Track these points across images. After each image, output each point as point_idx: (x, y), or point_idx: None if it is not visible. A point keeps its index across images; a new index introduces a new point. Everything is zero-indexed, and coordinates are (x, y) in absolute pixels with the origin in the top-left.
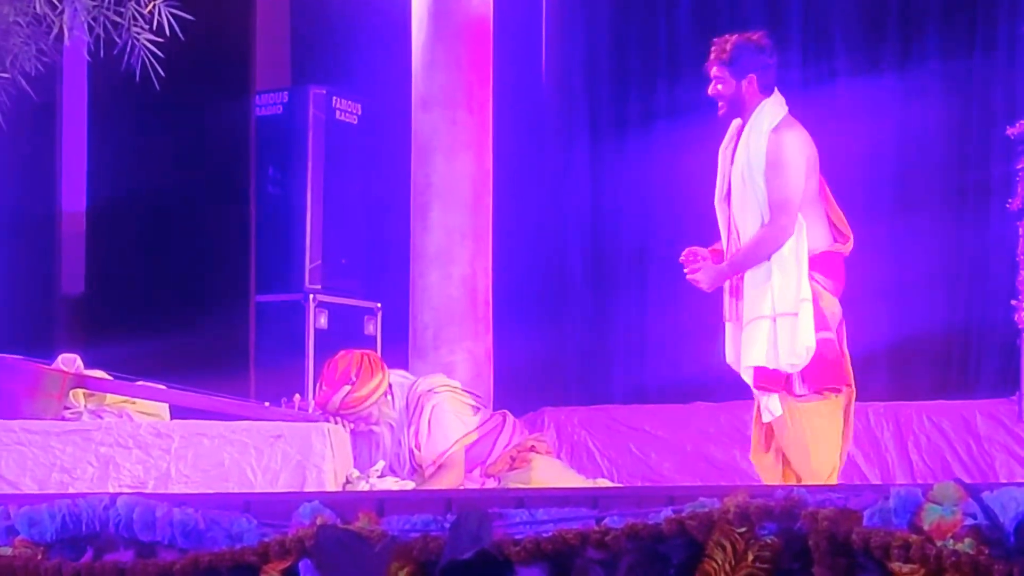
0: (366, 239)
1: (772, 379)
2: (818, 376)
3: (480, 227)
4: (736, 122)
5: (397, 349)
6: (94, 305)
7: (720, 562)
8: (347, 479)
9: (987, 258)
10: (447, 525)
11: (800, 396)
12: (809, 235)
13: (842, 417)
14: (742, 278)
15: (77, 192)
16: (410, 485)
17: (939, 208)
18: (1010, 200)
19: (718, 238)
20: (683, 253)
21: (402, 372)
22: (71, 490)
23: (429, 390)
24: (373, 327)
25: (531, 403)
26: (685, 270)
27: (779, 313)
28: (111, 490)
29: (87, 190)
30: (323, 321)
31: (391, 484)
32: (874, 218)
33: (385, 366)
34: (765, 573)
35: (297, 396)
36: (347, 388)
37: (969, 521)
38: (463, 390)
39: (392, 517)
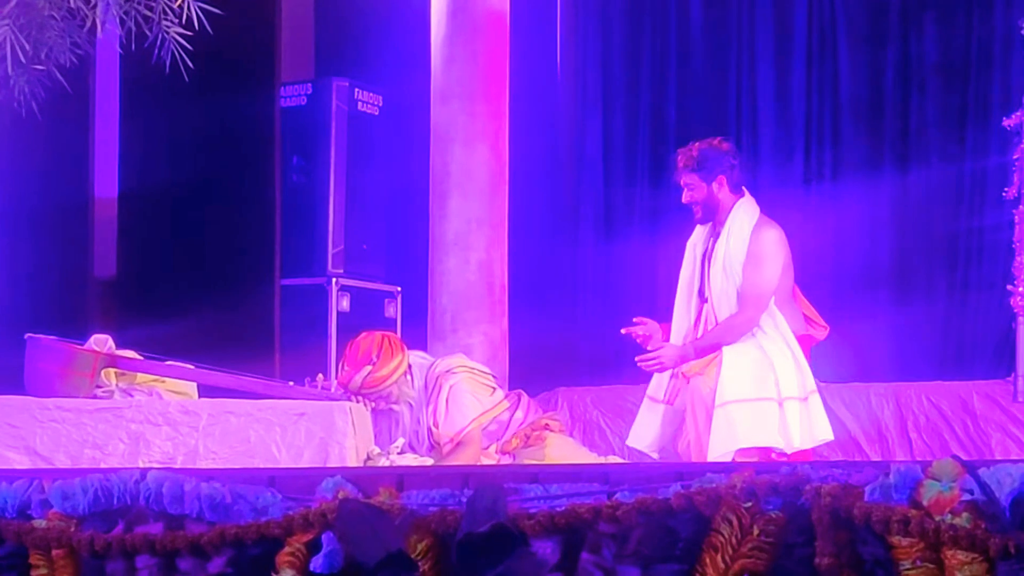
0: (387, 225)
1: (754, 455)
2: None
3: (496, 214)
4: (707, 225)
5: (416, 331)
6: (125, 288)
7: (727, 536)
8: (368, 456)
9: (983, 244)
10: (464, 500)
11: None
12: (788, 322)
13: None
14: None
15: (109, 179)
16: (429, 462)
17: (939, 194)
18: (1007, 188)
19: None
20: (634, 322)
21: (421, 353)
22: (103, 465)
23: (447, 370)
24: (393, 310)
25: (545, 383)
26: (638, 337)
27: (785, 397)
28: (141, 466)
29: (119, 177)
30: (345, 304)
31: (410, 461)
32: (877, 201)
33: (405, 347)
34: (770, 546)
35: (320, 376)
36: (368, 368)
37: (966, 496)
38: (480, 371)
39: (411, 492)
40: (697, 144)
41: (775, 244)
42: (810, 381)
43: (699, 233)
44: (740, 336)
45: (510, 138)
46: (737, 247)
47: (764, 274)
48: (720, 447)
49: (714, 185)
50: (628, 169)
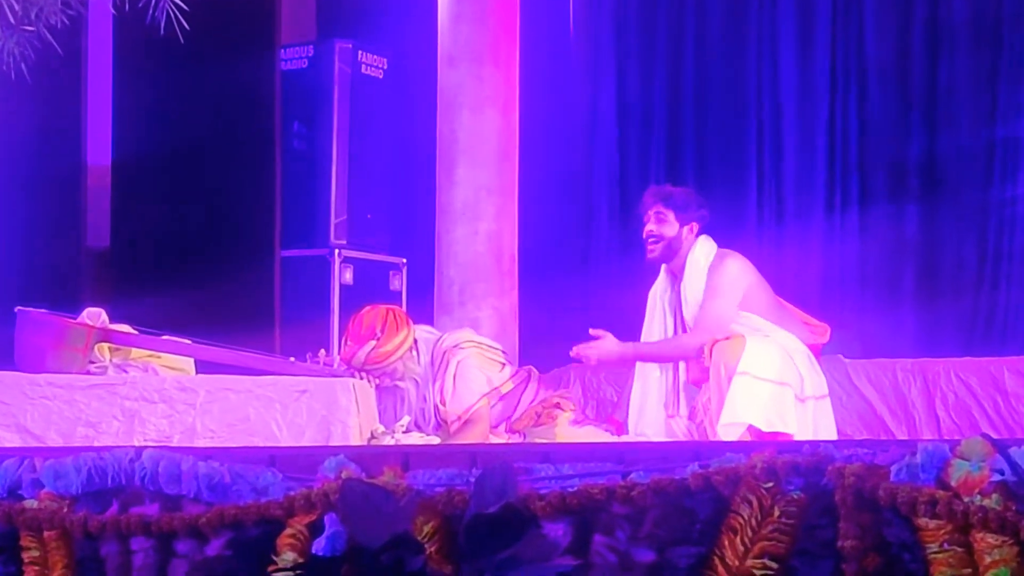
0: (392, 194)
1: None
2: None
3: (506, 183)
4: (664, 268)
5: (422, 305)
6: (119, 259)
7: (746, 517)
8: (372, 434)
9: (1016, 214)
10: (472, 480)
11: None
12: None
13: None
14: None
15: (102, 146)
16: (435, 441)
17: (968, 167)
18: None
19: (743, 196)
20: (590, 333)
21: (427, 328)
22: (96, 444)
23: (455, 346)
24: (399, 283)
25: (557, 359)
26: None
27: (804, 395)
28: (136, 444)
29: (112, 144)
30: (348, 276)
31: (416, 439)
32: (904, 172)
33: (411, 321)
34: (791, 528)
35: (322, 351)
36: (372, 343)
37: (996, 477)
38: (489, 346)
39: (417, 471)
40: (679, 189)
41: (734, 274)
42: (823, 385)
43: (662, 282)
44: (681, 357)
45: (520, 103)
46: (699, 289)
47: (720, 303)
48: (732, 415)
49: (685, 229)
50: (643, 135)
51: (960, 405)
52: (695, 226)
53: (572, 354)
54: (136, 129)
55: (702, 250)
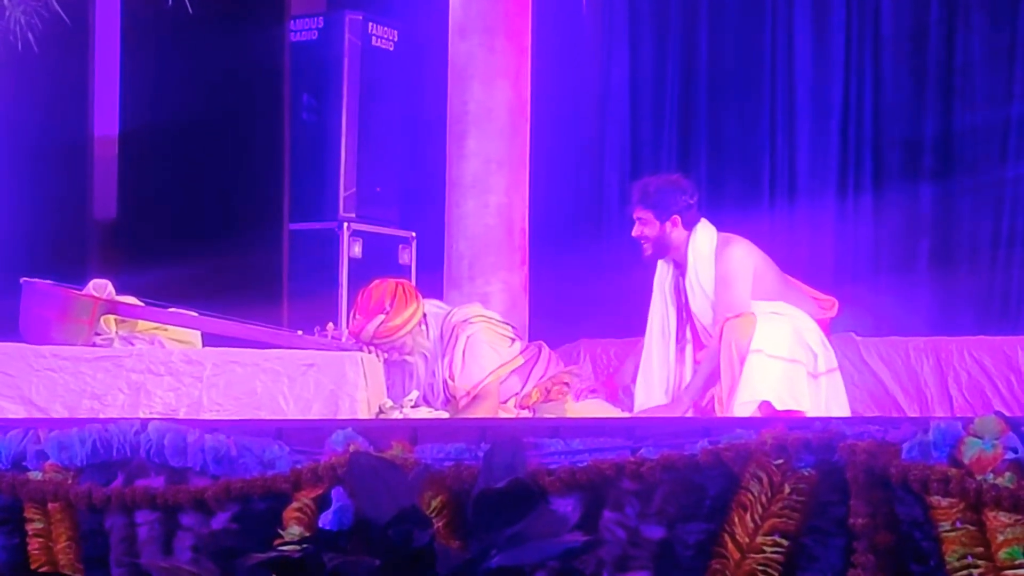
0: (401, 167)
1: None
2: None
3: (517, 155)
4: (669, 264)
5: (432, 279)
6: (126, 230)
7: (756, 494)
8: (380, 409)
9: None
10: (481, 454)
11: None
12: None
13: None
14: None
15: (110, 116)
16: (444, 415)
17: (984, 145)
18: None
19: (756, 173)
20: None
21: (437, 302)
22: (101, 417)
23: (464, 320)
24: (408, 256)
25: (567, 335)
26: None
27: (819, 372)
28: (142, 417)
29: (120, 114)
30: (357, 250)
31: (425, 414)
32: (918, 150)
33: (420, 295)
34: (801, 506)
35: (330, 325)
36: (381, 317)
37: (1010, 455)
38: (499, 321)
39: (425, 446)
40: (654, 180)
41: (741, 259)
42: (833, 359)
43: (664, 271)
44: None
45: (532, 74)
46: (707, 278)
47: (734, 292)
48: (748, 393)
49: (667, 224)
50: (656, 107)
51: (973, 384)
52: (677, 219)
53: None
54: (144, 100)
55: (703, 238)
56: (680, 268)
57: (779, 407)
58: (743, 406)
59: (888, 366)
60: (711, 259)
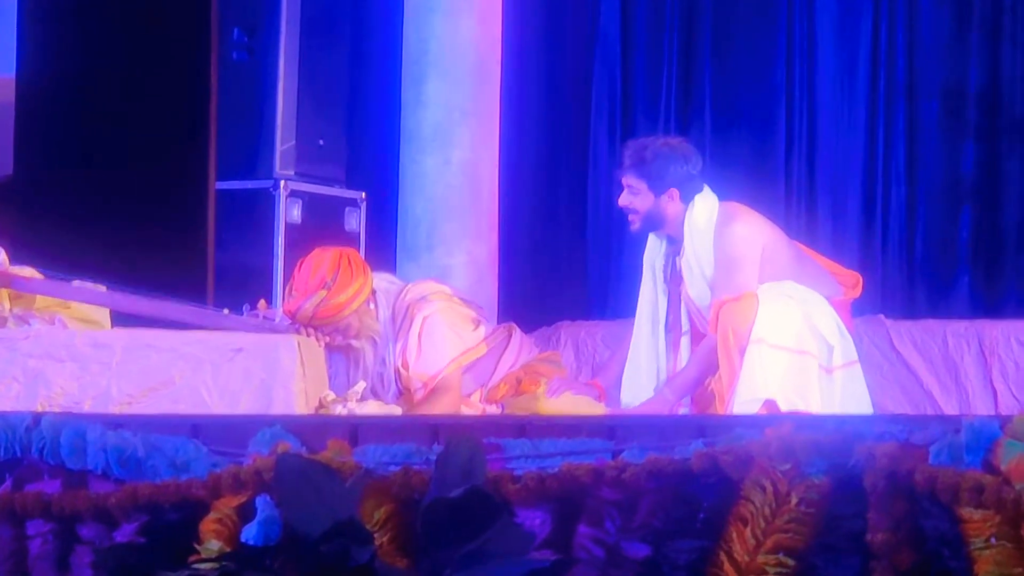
0: (349, 117)
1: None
2: None
3: (486, 103)
4: (662, 238)
5: (384, 248)
6: (23, 190)
7: (758, 505)
8: (320, 402)
9: None
10: (433, 457)
11: None
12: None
13: None
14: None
15: (4, 56)
16: (397, 411)
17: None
18: None
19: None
20: None
21: (389, 276)
22: None
23: (421, 298)
24: (355, 221)
25: (544, 316)
26: None
27: (835, 366)
28: (39, 410)
29: (17, 55)
30: (296, 213)
31: (373, 409)
32: (961, 102)
33: (368, 268)
34: (811, 519)
35: (263, 302)
36: (322, 294)
37: None
38: (462, 299)
39: (368, 447)
40: (652, 143)
41: (746, 239)
42: (853, 350)
43: (656, 247)
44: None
45: (503, 8)
46: (706, 258)
47: (738, 278)
48: (748, 391)
49: (664, 197)
50: (652, 49)
51: (1021, 376)
52: (675, 192)
53: None
54: (46, 38)
55: (702, 211)
56: (675, 245)
57: (784, 407)
58: (743, 406)
59: (922, 355)
60: (709, 234)
